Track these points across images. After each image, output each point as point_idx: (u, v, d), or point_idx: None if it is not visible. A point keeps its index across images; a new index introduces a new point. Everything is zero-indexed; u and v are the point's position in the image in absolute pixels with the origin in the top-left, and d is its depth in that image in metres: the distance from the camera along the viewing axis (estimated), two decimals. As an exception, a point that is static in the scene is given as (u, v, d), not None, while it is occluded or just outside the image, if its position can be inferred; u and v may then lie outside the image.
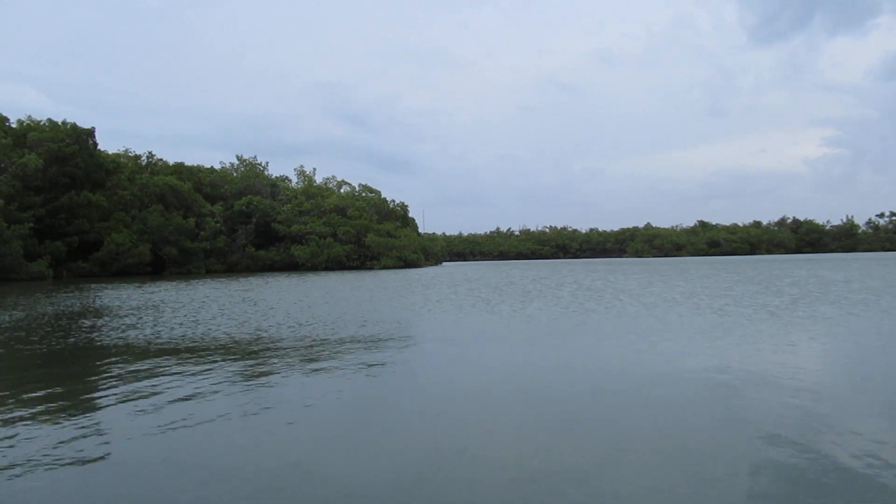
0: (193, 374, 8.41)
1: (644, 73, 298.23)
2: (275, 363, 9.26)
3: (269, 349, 10.66)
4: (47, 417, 6.33)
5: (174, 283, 38.30)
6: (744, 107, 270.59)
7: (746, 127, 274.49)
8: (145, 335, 12.71)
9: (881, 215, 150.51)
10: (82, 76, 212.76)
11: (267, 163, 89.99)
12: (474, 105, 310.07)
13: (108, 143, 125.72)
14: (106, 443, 5.47)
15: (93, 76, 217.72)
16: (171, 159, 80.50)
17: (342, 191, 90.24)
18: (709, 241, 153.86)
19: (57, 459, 5.03)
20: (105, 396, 7.29)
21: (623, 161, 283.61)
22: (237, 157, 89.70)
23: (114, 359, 9.98)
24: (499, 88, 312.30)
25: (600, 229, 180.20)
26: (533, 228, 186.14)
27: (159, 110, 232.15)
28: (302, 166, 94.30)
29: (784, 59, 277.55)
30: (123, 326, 14.41)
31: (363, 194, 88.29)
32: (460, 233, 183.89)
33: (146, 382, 7.96)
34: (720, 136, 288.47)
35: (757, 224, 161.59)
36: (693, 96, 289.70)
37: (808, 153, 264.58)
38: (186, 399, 7.01)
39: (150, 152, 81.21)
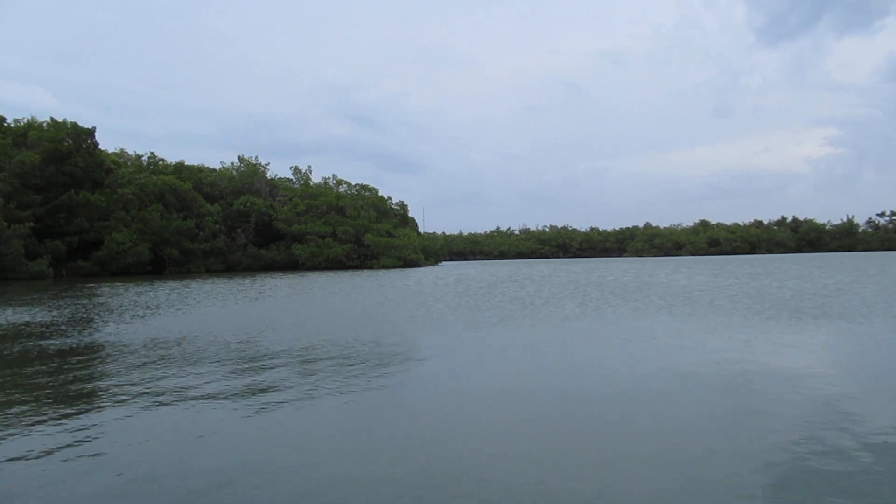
0: (196, 375, 8.45)
1: (651, 74, 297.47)
2: (277, 364, 9.29)
3: (270, 350, 10.70)
4: (47, 418, 6.36)
5: (175, 283, 38.31)
6: (749, 107, 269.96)
7: (751, 127, 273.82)
8: (146, 335, 12.75)
9: (881, 214, 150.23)
10: (90, 76, 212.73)
11: (268, 163, 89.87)
12: (480, 105, 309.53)
13: (114, 143, 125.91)
14: (106, 445, 5.50)
15: (100, 76, 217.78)
16: (178, 159, 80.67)
17: (340, 189, 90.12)
18: (709, 240, 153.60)
19: (56, 460, 5.06)
20: (106, 399, 7.33)
21: (627, 160, 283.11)
22: (238, 157, 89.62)
23: (115, 360, 10.02)
24: (505, 88, 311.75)
25: (600, 228, 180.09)
26: (533, 227, 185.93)
27: (166, 110, 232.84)
28: (297, 166, 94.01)
29: (791, 59, 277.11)
30: (124, 327, 14.45)
31: (362, 193, 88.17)
32: (460, 232, 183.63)
33: (147, 383, 8.00)
34: (724, 135, 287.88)
35: (758, 223, 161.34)
36: (699, 96, 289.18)
37: (810, 153, 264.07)
38: (188, 399, 7.05)
39: (151, 153, 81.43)
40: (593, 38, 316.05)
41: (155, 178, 68.92)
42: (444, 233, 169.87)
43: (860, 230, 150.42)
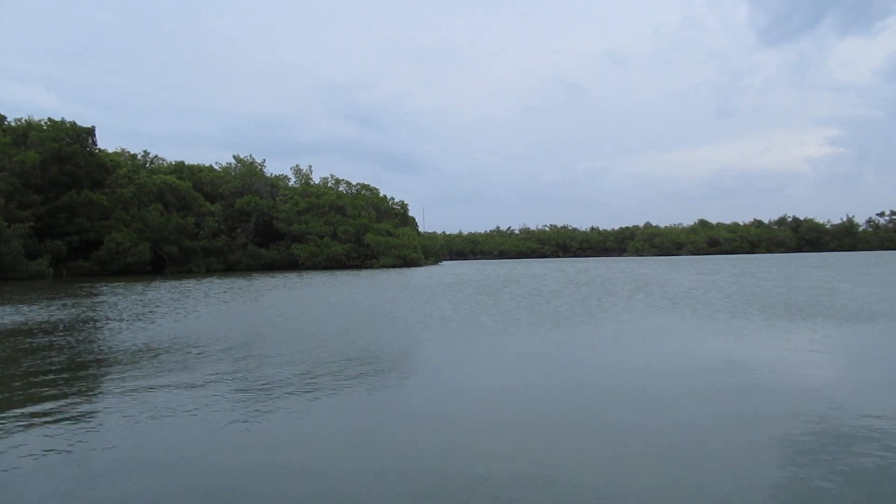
0: (196, 376, 8.44)
1: (651, 73, 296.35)
2: (278, 365, 9.28)
3: (271, 351, 10.69)
4: (46, 419, 6.36)
5: (174, 282, 38.29)
6: (751, 107, 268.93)
7: (751, 127, 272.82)
8: (146, 336, 12.74)
9: (881, 214, 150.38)
10: (90, 76, 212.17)
11: (264, 160, 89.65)
12: (480, 105, 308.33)
13: (115, 142, 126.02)
14: (105, 448, 5.49)
15: (100, 76, 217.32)
16: (178, 159, 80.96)
17: (340, 189, 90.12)
18: (708, 239, 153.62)
19: (51, 463, 5.05)
20: (104, 400, 7.32)
21: (628, 160, 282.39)
22: (234, 156, 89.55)
23: (113, 360, 10.01)
24: (505, 88, 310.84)
25: (600, 228, 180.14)
26: (533, 227, 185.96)
27: (166, 110, 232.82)
28: (298, 165, 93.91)
29: (792, 59, 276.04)
30: (123, 326, 14.44)
31: (362, 193, 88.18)
32: (460, 231, 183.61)
33: (147, 385, 7.99)
34: (726, 135, 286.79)
35: (758, 223, 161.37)
36: (700, 96, 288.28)
37: (811, 153, 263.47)
38: (189, 401, 7.04)
39: (145, 151, 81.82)
40: (594, 38, 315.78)
41: (154, 177, 68.95)
42: (444, 232, 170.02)
43: (860, 230, 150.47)
